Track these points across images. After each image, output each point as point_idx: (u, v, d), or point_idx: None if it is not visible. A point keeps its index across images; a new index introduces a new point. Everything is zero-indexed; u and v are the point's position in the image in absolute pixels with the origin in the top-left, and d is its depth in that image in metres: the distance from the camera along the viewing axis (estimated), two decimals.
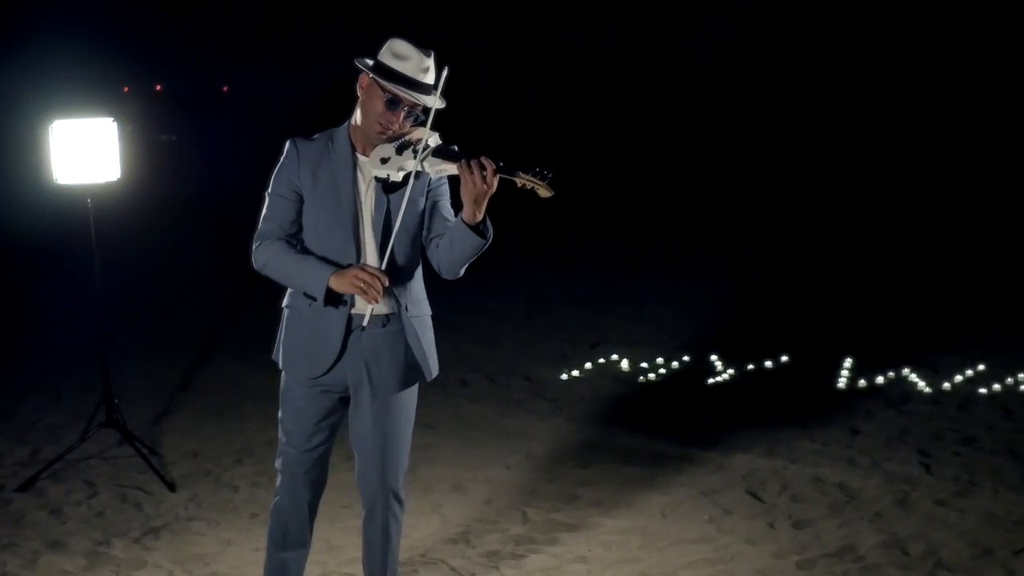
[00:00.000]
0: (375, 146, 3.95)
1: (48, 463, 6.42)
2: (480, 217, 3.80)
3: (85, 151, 6.19)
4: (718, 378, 8.22)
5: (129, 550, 5.37)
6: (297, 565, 4.29)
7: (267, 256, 4.00)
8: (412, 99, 3.88)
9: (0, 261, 14.30)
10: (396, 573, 4.30)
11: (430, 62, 3.92)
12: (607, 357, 8.80)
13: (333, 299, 3.95)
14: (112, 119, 6.30)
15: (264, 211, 4.06)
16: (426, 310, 4.16)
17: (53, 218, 11.54)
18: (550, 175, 3.71)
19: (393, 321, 4.04)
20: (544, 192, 3.72)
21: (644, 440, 6.84)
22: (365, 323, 3.96)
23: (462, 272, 4.00)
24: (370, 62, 3.94)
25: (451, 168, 3.83)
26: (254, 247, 4.04)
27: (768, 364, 8.49)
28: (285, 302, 4.14)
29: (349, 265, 3.93)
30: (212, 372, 8.68)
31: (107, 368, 6.48)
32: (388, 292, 3.94)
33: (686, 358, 8.70)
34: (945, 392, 7.71)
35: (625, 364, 8.63)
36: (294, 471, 4.19)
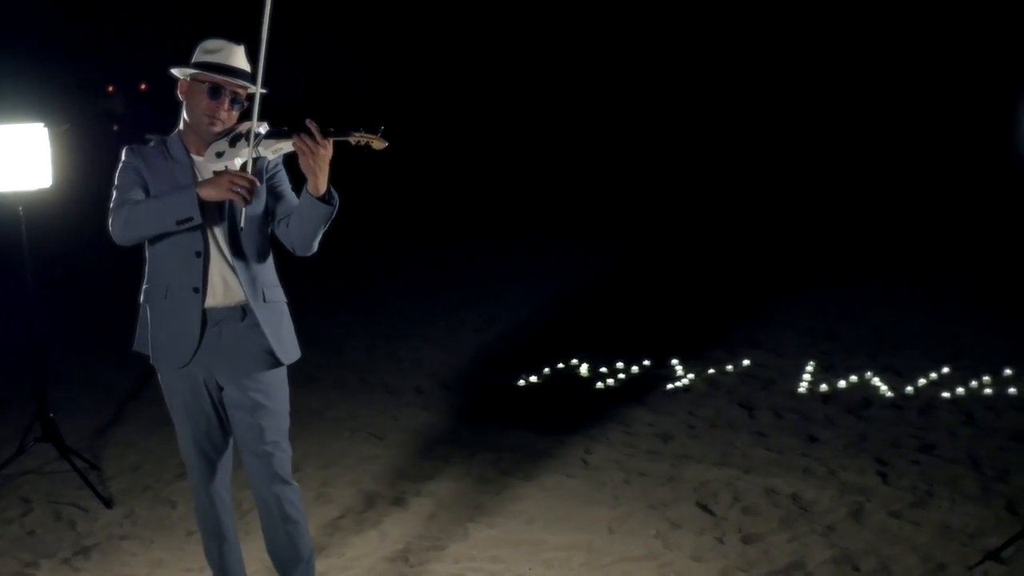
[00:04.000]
0: (208, 144, 4.04)
1: None
2: (324, 187, 3.91)
3: (15, 158, 6.00)
4: (677, 383, 8.04)
5: (56, 571, 5.21)
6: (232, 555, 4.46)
7: (124, 215, 3.97)
8: (232, 84, 4.02)
9: None
10: (313, 555, 4.39)
11: (241, 51, 4.07)
12: (567, 362, 8.63)
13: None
14: (43, 124, 6.11)
15: (115, 196, 4.05)
16: (281, 296, 4.24)
17: None
18: (381, 128, 3.82)
19: (250, 314, 4.11)
20: (378, 144, 3.86)
21: (596, 450, 6.66)
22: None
23: (315, 247, 4.10)
24: (188, 69, 4.06)
25: (286, 145, 3.94)
26: (109, 221, 4.01)
27: (729, 368, 8.33)
28: (142, 298, 4.20)
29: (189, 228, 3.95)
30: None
31: (42, 381, 6.31)
32: (244, 282, 4.06)
33: (647, 362, 8.53)
34: (908, 396, 7.53)
35: (584, 369, 8.47)
36: (199, 487, 4.36)
